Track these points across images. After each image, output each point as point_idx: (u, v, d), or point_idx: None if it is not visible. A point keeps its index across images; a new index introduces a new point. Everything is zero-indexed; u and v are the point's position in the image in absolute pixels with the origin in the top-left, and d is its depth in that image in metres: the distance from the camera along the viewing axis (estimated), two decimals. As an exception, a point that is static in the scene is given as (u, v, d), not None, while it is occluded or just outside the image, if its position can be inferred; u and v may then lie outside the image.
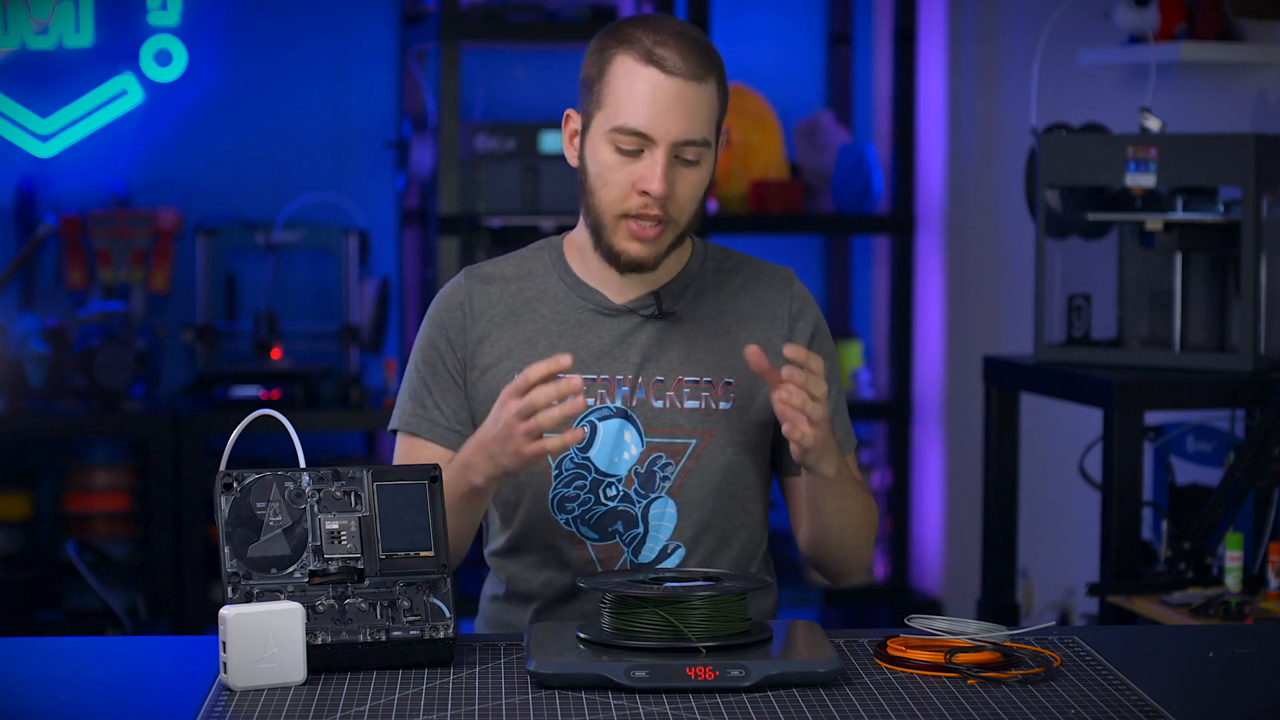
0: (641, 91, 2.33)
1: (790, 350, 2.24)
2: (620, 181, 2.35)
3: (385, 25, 5.20)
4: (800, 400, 2.23)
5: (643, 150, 2.34)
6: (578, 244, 2.47)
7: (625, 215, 2.36)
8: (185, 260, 5.03)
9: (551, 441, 2.22)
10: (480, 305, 2.46)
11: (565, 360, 2.22)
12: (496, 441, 2.25)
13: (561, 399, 2.20)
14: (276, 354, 4.92)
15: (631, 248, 2.37)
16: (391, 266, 5.22)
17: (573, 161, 2.44)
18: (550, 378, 2.21)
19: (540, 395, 2.20)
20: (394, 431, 2.49)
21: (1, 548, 4.71)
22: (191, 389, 4.99)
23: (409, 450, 2.46)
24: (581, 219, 2.45)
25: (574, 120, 2.43)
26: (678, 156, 2.35)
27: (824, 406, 2.26)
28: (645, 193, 2.34)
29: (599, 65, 2.37)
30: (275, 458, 4.71)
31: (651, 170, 2.33)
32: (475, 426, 2.43)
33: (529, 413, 2.20)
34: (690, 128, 2.34)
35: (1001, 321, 4.83)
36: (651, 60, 2.33)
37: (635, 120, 2.33)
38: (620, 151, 2.35)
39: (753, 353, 2.26)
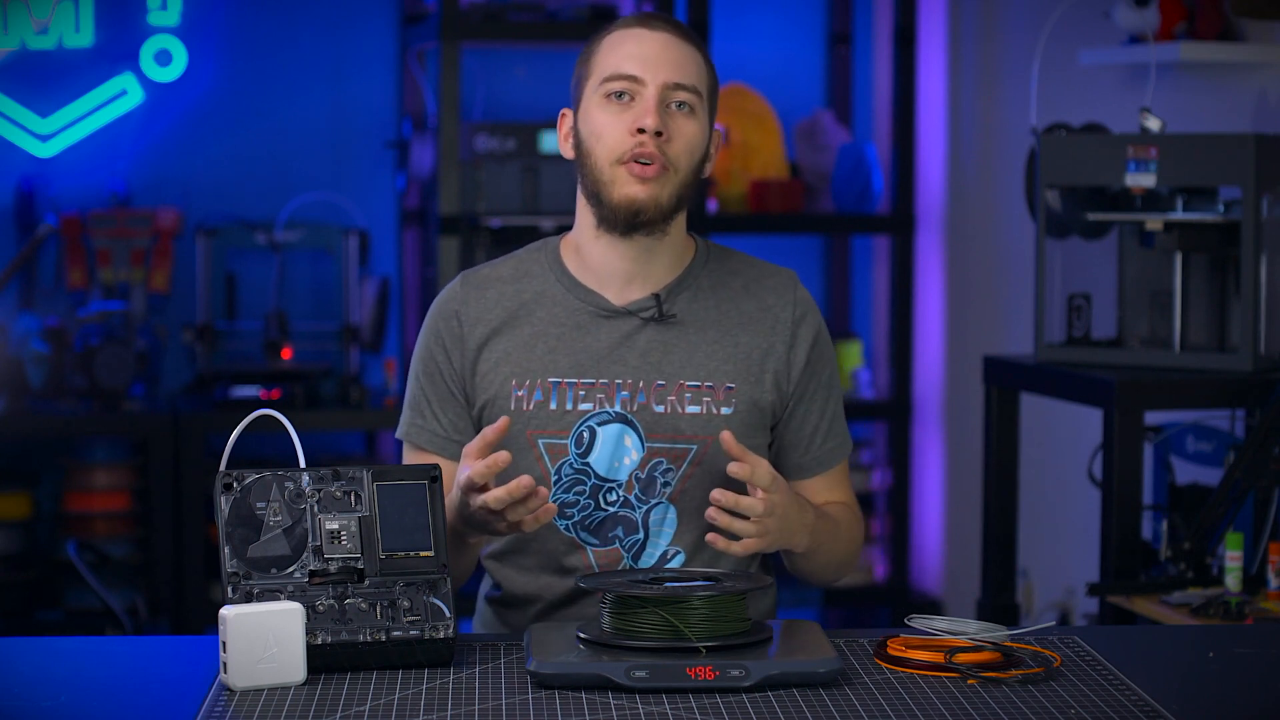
0: (629, 46, 2.40)
1: (734, 469, 2.24)
2: (615, 130, 2.38)
3: (385, 25, 5.20)
4: (725, 521, 2.24)
5: (634, 98, 2.38)
6: (575, 244, 2.47)
7: (622, 161, 2.37)
8: (185, 260, 5.03)
9: (527, 520, 2.22)
10: (476, 311, 2.46)
11: (503, 422, 2.23)
12: (475, 521, 2.27)
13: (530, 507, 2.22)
14: (287, 354, 4.93)
15: (632, 190, 2.37)
16: (391, 266, 5.22)
17: (568, 153, 2.45)
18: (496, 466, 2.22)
19: (499, 499, 2.20)
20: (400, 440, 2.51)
21: (1, 548, 4.71)
22: (191, 389, 4.99)
23: (412, 460, 2.47)
24: (579, 213, 2.45)
25: (568, 116, 2.46)
26: (670, 104, 2.38)
27: (757, 526, 2.25)
28: (641, 130, 2.36)
29: (587, 52, 2.45)
30: (275, 458, 4.71)
31: (644, 107, 2.37)
32: (478, 432, 2.44)
33: (497, 509, 2.20)
34: (679, 72, 2.39)
35: (1001, 321, 4.83)
36: (638, 24, 2.43)
37: (626, 66, 2.39)
38: (613, 101, 2.38)
39: (726, 438, 2.26)
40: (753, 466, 2.23)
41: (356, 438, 5.22)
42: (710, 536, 2.26)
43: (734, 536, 2.25)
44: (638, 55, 2.39)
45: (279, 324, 4.94)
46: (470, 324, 2.45)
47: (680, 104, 2.39)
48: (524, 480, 2.19)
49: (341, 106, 5.17)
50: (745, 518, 2.24)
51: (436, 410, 2.45)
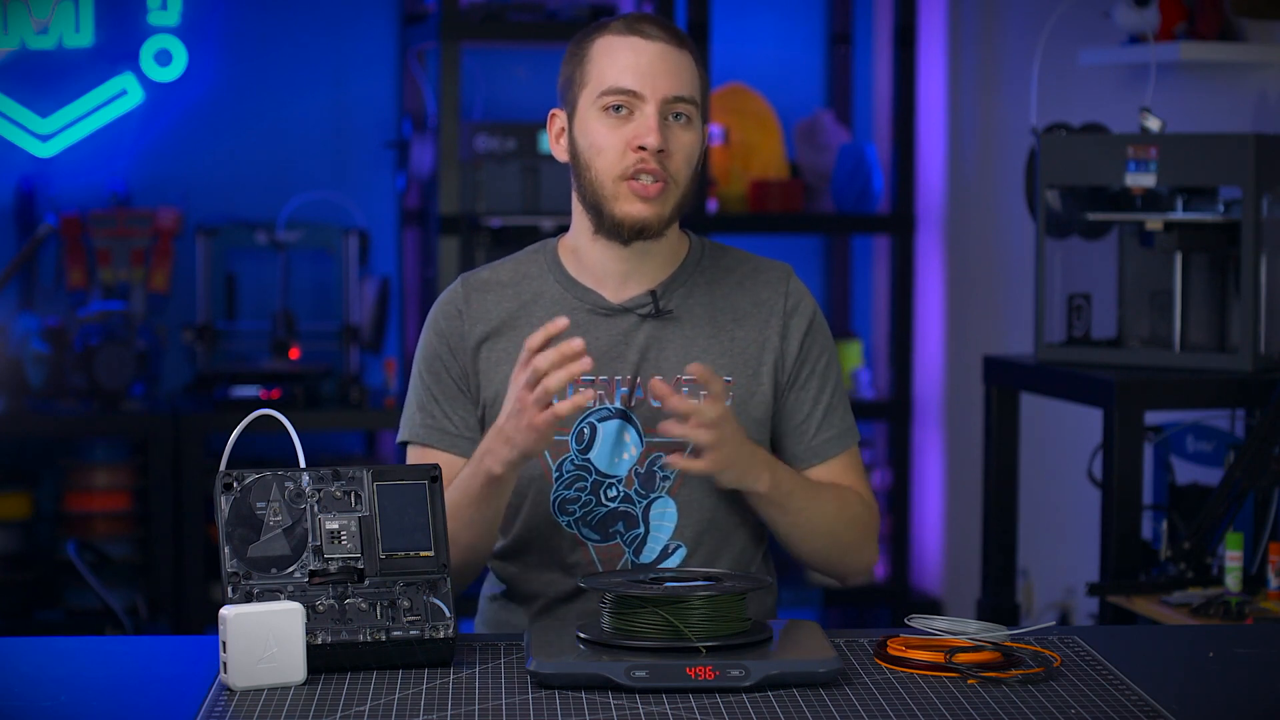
0: (625, 56, 2.38)
1: (693, 368, 2.27)
2: (615, 145, 2.37)
3: (385, 25, 5.20)
4: (679, 431, 2.27)
5: (633, 111, 2.37)
6: (571, 246, 2.48)
7: (624, 178, 2.37)
8: (185, 260, 5.03)
9: (562, 405, 2.21)
10: (477, 311, 2.46)
11: (562, 322, 2.23)
12: (511, 421, 2.24)
13: (566, 361, 2.20)
14: (295, 354, 4.93)
15: (635, 209, 2.37)
16: (391, 266, 5.22)
17: (562, 156, 2.45)
18: (549, 343, 2.22)
19: (543, 360, 2.20)
20: (403, 443, 2.49)
21: (1, 548, 4.71)
22: (191, 389, 4.99)
23: (422, 460, 2.45)
24: (575, 216, 2.45)
25: (559, 118, 2.46)
26: (668, 116, 2.37)
27: (714, 430, 2.26)
28: (642, 148, 2.35)
29: (579, 54, 2.42)
30: (275, 458, 4.71)
31: (645, 124, 2.36)
32: (484, 432, 2.43)
33: (535, 381, 2.20)
34: (677, 84, 2.37)
35: (1001, 321, 4.83)
36: (631, 30, 2.39)
37: (624, 80, 2.37)
38: (611, 115, 2.37)
39: (694, 367, 2.29)
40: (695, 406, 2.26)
41: (356, 438, 5.22)
42: (669, 458, 2.29)
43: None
44: (634, 68, 2.37)
45: (286, 323, 4.94)
46: (471, 322, 2.45)
47: (678, 115, 2.38)
48: (561, 323, 2.22)
49: (341, 106, 5.17)
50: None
51: (446, 409, 2.45)
